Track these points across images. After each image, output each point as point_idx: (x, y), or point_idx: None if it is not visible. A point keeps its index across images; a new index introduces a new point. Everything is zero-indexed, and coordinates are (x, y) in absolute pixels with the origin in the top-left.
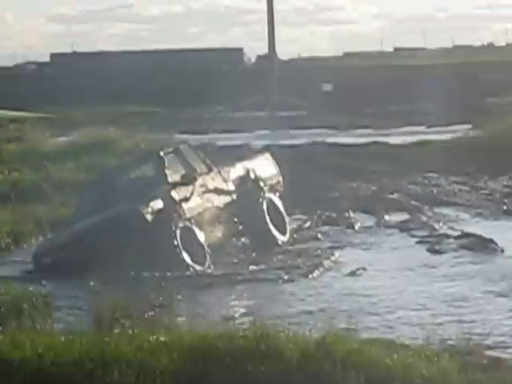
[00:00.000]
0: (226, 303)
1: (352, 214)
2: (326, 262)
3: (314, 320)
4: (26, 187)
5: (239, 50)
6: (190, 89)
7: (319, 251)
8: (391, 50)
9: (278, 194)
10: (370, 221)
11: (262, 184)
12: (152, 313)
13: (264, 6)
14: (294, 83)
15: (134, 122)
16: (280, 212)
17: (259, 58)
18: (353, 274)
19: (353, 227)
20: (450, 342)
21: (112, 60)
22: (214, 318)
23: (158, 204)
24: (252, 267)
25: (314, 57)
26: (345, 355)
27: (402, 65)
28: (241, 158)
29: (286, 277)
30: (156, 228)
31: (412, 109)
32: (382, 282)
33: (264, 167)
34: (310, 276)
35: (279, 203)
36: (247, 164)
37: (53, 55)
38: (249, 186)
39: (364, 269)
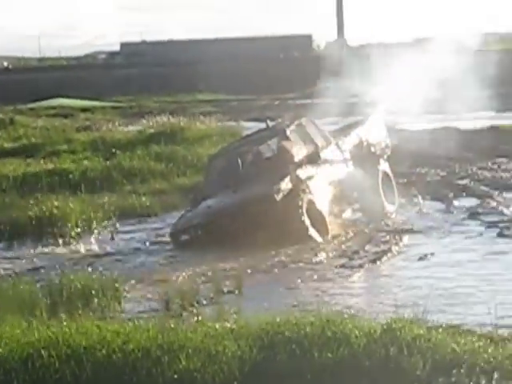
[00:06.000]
0: (293, 288)
1: (421, 200)
2: (395, 248)
3: (380, 306)
4: (96, 176)
5: (308, 37)
6: (261, 76)
7: (388, 237)
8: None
9: (386, 156)
10: (439, 206)
11: (374, 150)
12: (221, 299)
13: None
14: (362, 69)
15: (204, 110)
16: (391, 181)
17: (328, 44)
18: (421, 259)
19: (422, 212)
20: None
21: (182, 48)
22: (282, 304)
23: (286, 185)
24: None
25: (383, 43)
26: (411, 341)
27: (476, 49)
28: (353, 125)
29: (355, 263)
30: (285, 209)
31: (481, 94)
32: (451, 267)
33: (375, 131)
34: (379, 262)
35: (390, 172)
36: (360, 131)
37: (123, 44)
38: (364, 155)
39: (432, 254)
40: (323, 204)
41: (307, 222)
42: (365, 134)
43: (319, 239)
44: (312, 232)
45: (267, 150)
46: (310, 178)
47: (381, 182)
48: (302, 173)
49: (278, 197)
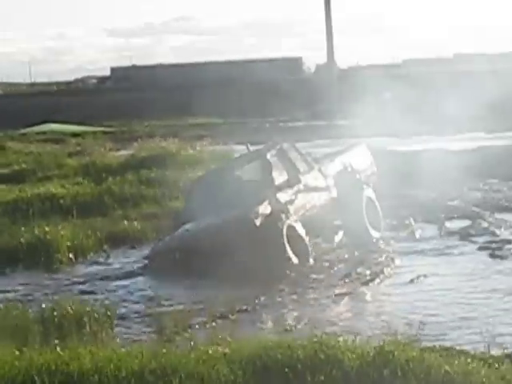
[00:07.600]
0: (285, 312)
1: (412, 222)
2: (387, 270)
3: (373, 328)
4: (88, 201)
5: (298, 60)
6: (251, 99)
7: (380, 259)
8: (451, 56)
9: (372, 184)
10: (430, 228)
11: (359, 177)
12: (213, 324)
13: (318, 15)
14: (353, 92)
15: (195, 134)
16: (376, 208)
17: (318, 66)
18: (413, 281)
19: (413, 234)
20: (511, 350)
21: (172, 72)
22: (274, 327)
23: (266, 209)
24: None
25: (372, 64)
26: (404, 363)
27: (462, 71)
28: (338, 153)
29: (347, 286)
30: (265, 233)
31: (472, 114)
32: (443, 289)
33: (360, 159)
34: (371, 284)
35: (375, 198)
36: (345, 158)
37: (113, 69)
38: (348, 181)
39: (425, 276)
40: (304, 228)
41: (287, 246)
42: (349, 161)
43: (299, 263)
44: (292, 257)
45: (247, 174)
46: (290, 202)
47: (365, 208)
48: (282, 197)
49: (257, 220)
